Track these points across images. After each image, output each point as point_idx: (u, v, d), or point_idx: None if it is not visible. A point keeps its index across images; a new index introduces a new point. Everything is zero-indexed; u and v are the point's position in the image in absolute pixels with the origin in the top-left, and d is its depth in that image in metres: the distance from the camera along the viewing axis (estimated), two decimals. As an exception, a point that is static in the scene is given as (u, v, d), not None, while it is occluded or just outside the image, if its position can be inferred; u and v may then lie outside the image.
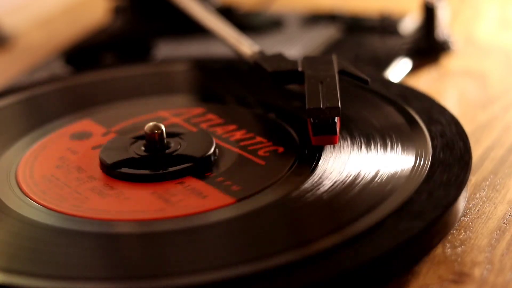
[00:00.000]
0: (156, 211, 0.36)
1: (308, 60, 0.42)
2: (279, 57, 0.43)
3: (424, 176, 0.37)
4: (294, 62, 0.42)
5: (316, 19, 0.59)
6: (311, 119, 0.39)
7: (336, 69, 0.41)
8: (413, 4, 0.58)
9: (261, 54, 0.44)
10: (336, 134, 0.39)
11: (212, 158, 0.40)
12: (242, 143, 0.41)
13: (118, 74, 0.50)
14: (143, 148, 0.40)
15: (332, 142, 0.39)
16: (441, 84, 0.52)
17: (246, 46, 0.46)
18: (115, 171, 0.39)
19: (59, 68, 0.54)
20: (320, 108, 0.38)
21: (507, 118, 0.47)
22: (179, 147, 0.40)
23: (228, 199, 0.37)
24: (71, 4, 0.70)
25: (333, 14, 0.59)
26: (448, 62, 0.54)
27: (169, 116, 0.44)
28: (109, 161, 0.39)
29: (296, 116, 0.42)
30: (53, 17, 0.68)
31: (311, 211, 0.36)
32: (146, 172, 0.39)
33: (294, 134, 0.41)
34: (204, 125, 0.43)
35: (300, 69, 0.42)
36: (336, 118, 0.39)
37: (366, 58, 0.53)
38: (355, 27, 0.57)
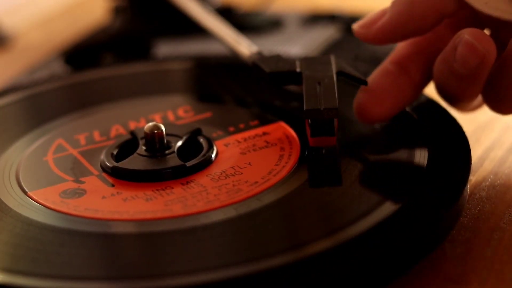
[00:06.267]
0: (155, 211, 0.36)
1: (306, 60, 0.42)
2: (277, 58, 0.43)
3: (423, 176, 0.37)
4: (292, 63, 0.42)
5: (316, 19, 0.59)
6: (309, 120, 0.39)
7: (334, 70, 0.41)
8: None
9: (259, 54, 0.44)
10: (334, 135, 0.39)
11: (213, 158, 0.40)
12: (241, 144, 0.41)
13: (119, 73, 0.50)
14: (143, 148, 0.40)
15: (330, 143, 0.39)
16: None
17: (245, 46, 0.46)
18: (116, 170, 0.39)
19: (58, 68, 0.54)
20: (318, 109, 0.38)
21: (507, 118, 0.46)
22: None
23: (226, 200, 0.37)
24: (71, 4, 0.70)
25: (333, 14, 0.59)
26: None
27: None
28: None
29: (295, 116, 0.42)
30: (53, 17, 0.68)
31: (309, 212, 0.36)
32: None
33: (294, 135, 0.41)
34: (204, 125, 0.43)
35: (298, 69, 0.42)
36: (334, 119, 0.39)
37: (365, 58, 0.53)
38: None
